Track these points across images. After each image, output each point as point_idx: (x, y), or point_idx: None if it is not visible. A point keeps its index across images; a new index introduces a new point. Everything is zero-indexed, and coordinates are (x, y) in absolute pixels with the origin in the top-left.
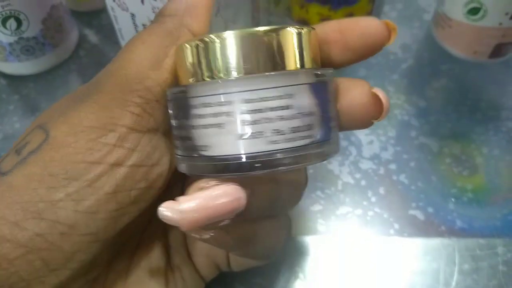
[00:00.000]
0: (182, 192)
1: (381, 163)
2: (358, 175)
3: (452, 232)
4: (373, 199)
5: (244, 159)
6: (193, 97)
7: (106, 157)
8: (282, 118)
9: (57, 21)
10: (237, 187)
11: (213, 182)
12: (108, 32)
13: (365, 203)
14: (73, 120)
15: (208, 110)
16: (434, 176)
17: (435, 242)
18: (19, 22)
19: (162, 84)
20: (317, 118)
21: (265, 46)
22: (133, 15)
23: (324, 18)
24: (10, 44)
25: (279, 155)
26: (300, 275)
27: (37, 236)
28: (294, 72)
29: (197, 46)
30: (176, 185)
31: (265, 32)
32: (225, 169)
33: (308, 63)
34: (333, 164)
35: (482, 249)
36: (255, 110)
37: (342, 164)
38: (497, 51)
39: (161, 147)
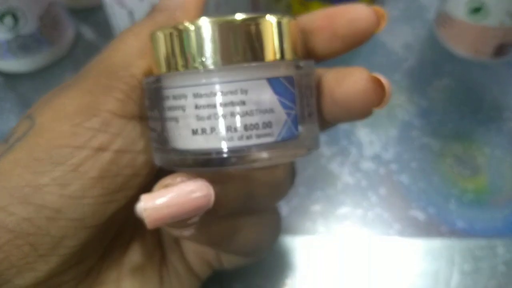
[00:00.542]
0: None
1: (382, 163)
2: (358, 175)
3: (452, 232)
4: (374, 199)
5: (214, 155)
6: (165, 88)
7: (90, 142)
8: (246, 114)
9: (54, 18)
10: (203, 183)
11: (179, 179)
12: (105, 30)
13: (365, 203)
14: (58, 107)
15: (179, 102)
16: (435, 176)
17: (435, 242)
18: (16, 19)
19: (148, 72)
20: (278, 115)
21: (242, 35)
22: (131, 12)
23: None
24: (8, 41)
25: (254, 149)
26: (300, 275)
27: (25, 220)
28: (267, 64)
29: (171, 34)
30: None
31: (243, 20)
32: (194, 163)
33: (288, 54)
34: (333, 164)
35: (482, 249)
36: (225, 103)
37: (342, 164)
38: (499, 50)
39: (148, 135)
